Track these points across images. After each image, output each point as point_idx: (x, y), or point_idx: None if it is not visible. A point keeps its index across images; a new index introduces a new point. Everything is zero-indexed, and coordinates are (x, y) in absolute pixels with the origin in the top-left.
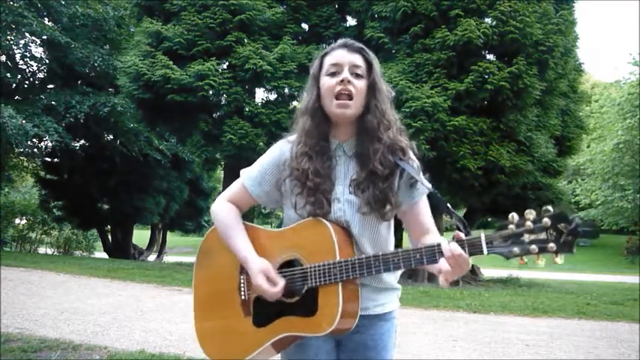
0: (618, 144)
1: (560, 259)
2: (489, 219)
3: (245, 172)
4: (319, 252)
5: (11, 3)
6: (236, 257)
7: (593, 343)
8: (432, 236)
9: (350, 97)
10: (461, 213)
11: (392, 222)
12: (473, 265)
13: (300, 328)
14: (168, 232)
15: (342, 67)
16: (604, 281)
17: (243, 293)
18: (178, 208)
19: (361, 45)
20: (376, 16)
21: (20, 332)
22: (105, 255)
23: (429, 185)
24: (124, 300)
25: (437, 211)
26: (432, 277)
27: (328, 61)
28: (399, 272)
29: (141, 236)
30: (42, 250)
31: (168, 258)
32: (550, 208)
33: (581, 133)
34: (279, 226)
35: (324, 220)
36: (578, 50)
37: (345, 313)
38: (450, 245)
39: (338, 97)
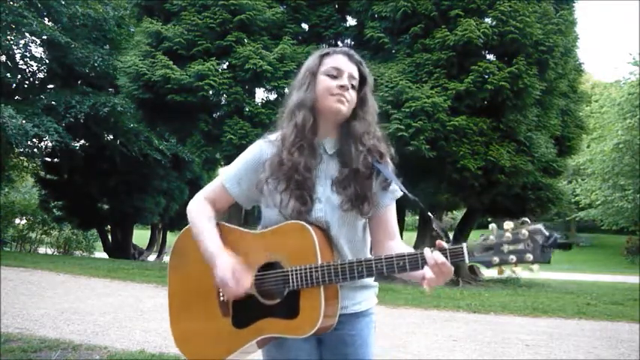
0: (618, 144)
1: (536, 269)
2: (489, 219)
3: (224, 171)
4: (300, 255)
5: (11, 3)
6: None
7: (593, 343)
8: (398, 242)
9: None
10: (461, 213)
11: (367, 225)
12: (472, 266)
13: (281, 330)
14: (168, 232)
15: (342, 74)
16: (604, 281)
17: (222, 294)
18: (178, 208)
19: (360, 59)
20: (376, 16)
21: (20, 332)
22: (105, 255)
23: (407, 192)
24: (124, 300)
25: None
26: None
27: (329, 62)
28: None
29: (141, 236)
30: (42, 250)
31: (168, 258)
32: (527, 219)
33: (581, 133)
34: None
35: (306, 224)
36: (578, 50)
37: (327, 315)
38: (433, 254)
39: (335, 95)
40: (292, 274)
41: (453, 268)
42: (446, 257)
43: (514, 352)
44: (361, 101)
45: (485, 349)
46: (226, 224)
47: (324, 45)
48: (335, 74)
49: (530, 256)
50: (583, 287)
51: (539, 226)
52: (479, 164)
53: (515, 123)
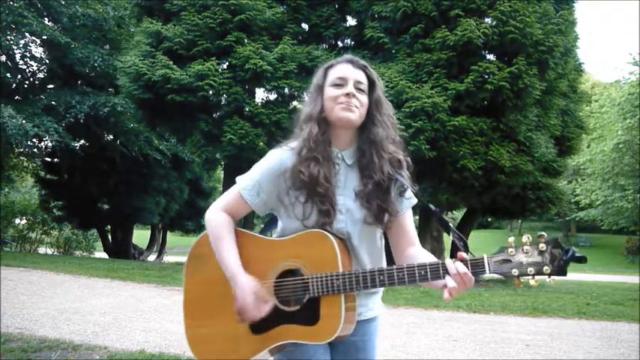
0: (618, 144)
1: (552, 281)
2: (489, 219)
3: (241, 181)
4: (321, 263)
5: (11, 3)
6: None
7: (593, 343)
8: (418, 249)
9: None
10: (461, 213)
11: (382, 234)
12: None
13: (301, 337)
14: (168, 232)
15: (347, 81)
16: (604, 281)
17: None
18: (178, 208)
19: (365, 63)
20: (376, 16)
21: (20, 332)
22: (105, 255)
23: (433, 209)
24: (124, 300)
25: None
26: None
27: (333, 73)
28: None
29: (141, 236)
30: (42, 250)
31: (168, 258)
32: (544, 233)
33: (581, 133)
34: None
35: (327, 233)
36: (578, 50)
37: (346, 322)
38: (455, 264)
39: (341, 103)
40: (313, 282)
41: (473, 278)
42: (467, 268)
43: (514, 352)
44: (376, 104)
45: (486, 349)
46: (242, 230)
47: (324, 45)
48: (340, 83)
49: (547, 269)
50: (583, 287)
51: (557, 239)
52: (479, 164)
53: (515, 123)
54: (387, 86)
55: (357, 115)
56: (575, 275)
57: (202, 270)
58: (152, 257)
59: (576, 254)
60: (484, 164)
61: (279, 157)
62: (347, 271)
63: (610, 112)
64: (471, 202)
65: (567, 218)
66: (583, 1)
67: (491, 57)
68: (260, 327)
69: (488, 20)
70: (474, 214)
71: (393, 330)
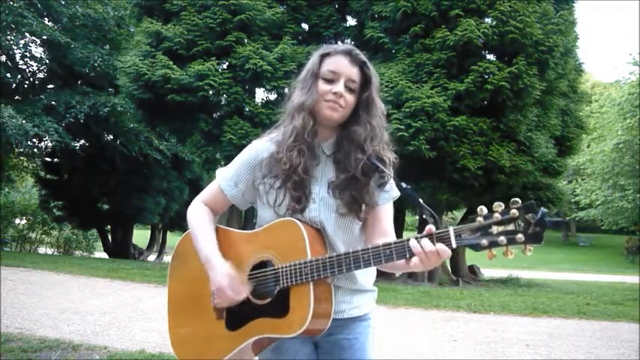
0: (618, 144)
1: (529, 251)
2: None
3: (220, 173)
4: (291, 252)
5: (11, 3)
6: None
7: (593, 343)
8: (391, 239)
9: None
10: (461, 213)
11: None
12: (473, 266)
13: (272, 330)
14: (168, 232)
15: (339, 77)
16: (604, 281)
17: (216, 298)
18: (178, 208)
19: (364, 59)
20: (376, 16)
21: (20, 332)
22: (105, 255)
23: (404, 186)
24: (124, 300)
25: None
26: (431, 277)
27: (328, 64)
28: (374, 274)
29: (141, 236)
30: (42, 250)
31: (168, 258)
32: (518, 200)
33: (581, 133)
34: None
35: (296, 220)
36: (578, 50)
37: (317, 314)
38: (421, 241)
39: (328, 101)
40: (283, 272)
41: (440, 256)
42: (432, 242)
43: (514, 352)
44: (365, 104)
45: (486, 349)
46: (223, 227)
47: (324, 45)
48: (331, 78)
49: (521, 237)
50: (583, 287)
51: (532, 204)
52: (479, 164)
53: (515, 123)
54: (386, 86)
55: (339, 114)
56: (575, 275)
57: (181, 269)
58: (152, 257)
59: (551, 220)
60: (484, 164)
61: (256, 147)
62: (314, 258)
63: (610, 112)
64: (471, 202)
65: (567, 218)
66: (583, 1)
67: (491, 57)
68: (235, 323)
69: (488, 20)
70: (473, 214)
71: (393, 330)
